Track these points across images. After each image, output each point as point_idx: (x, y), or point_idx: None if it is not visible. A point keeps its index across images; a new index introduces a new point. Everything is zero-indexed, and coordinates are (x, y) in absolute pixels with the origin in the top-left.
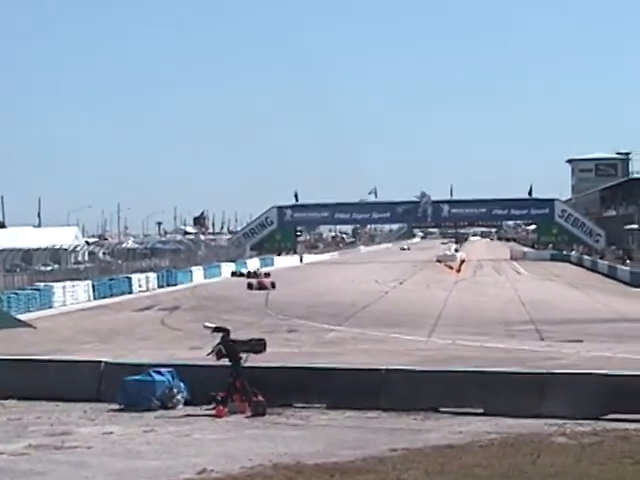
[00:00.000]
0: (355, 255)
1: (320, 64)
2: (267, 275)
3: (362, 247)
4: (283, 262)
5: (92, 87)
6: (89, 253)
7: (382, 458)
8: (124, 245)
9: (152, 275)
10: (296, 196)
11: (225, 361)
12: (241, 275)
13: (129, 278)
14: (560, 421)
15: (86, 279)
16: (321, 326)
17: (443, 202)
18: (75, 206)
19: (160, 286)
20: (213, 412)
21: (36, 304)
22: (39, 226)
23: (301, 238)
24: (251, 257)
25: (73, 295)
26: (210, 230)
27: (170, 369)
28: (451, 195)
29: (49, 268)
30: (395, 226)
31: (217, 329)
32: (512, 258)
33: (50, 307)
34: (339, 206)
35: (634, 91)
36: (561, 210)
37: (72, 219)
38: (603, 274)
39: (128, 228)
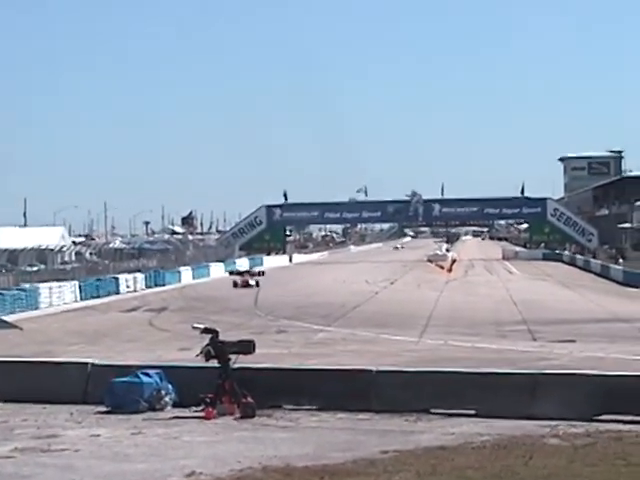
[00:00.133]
0: (345, 255)
1: (320, 64)
2: (262, 273)
3: (352, 247)
4: (272, 262)
5: (79, 87)
6: (76, 253)
7: (373, 460)
8: (111, 245)
9: (140, 275)
10: (285, 195)
11: (214, 362)
12: (239, 274)
13: (116, 279)
14: (553, 422)
15: (73, 280)
16: (311, 327)
17: (434, 201)
18: (61, 206)
19: (148, 287)
20: (202, 414)
21: (22, 305)
22: (25, 226)
23: (290, 238)
24: (240, 257)
25: (59, 296)
26: (198, 230)
27: (158, 371)
28: (442, 194)
29: (35, 268)
30: (386, 225)
31: (206, 330)
32: (504, 257)
33: (36, 308)
34: (329, 205)
35: (627, 89)
36: (553, 209)
37: (58, 219)
38: (596, 273)
39: (115, 228)
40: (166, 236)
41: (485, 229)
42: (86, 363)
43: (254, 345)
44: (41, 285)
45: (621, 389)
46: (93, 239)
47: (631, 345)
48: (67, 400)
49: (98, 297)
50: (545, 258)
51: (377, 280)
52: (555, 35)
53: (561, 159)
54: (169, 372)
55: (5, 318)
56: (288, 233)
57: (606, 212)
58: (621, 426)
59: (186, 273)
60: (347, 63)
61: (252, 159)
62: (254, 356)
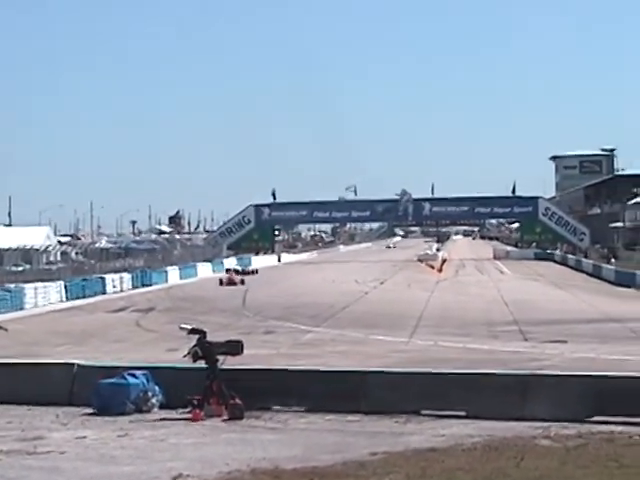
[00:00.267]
0: (334, 254)
1: (315, 62)
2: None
3: (342, 246)
4: (261, 262)
5: (66, 86)
6: (61, 253)
7: (362, 462)
8: (97, 245)
9: (126, 275)
10: (274, 195)
11: (201, 363)
12: (236, 272)
13: (102, 279)
14: (544, 423)
15: (58, 280)
16: (299, 327)
17: (424, 200)
18: (47, 205)
19: (134, 287)
20: (189, 416)
21: (7, 305)
22: (10, 225)
23: (279, 237)
24: (228, 257)
25: (45, 296)
26: (186, 229)
27: (145, 372)
28: (432, 193)
29: (20, 268)
30: (375, 225)
31: (193, 331)
32: (495, 257)
33: (21, 309)
34: (318, 205)
35: (620, 88)
36: (545, 208)
37: (44, 218)
38: (588, 273)
39: (101, 227)
40: (153, 236)
41: (476, 228)
42: (72, 364)
43: (242, 346)
44: (26, 285)
45: (613, 390)
46: (79, 239)
47: (623, 345)
48: (53, 402)
49: (84, 297)
50: (536, 258)
51: (367, 280)
52: (547, 35)
53: (553, 158)
54: (156, 373)
55: None
56: (276, 232)
57: (598, 211)
58: (613, 427)
59: (173, 273)
60: (342, 62)
61: (242, 158)
62: (242, 357)
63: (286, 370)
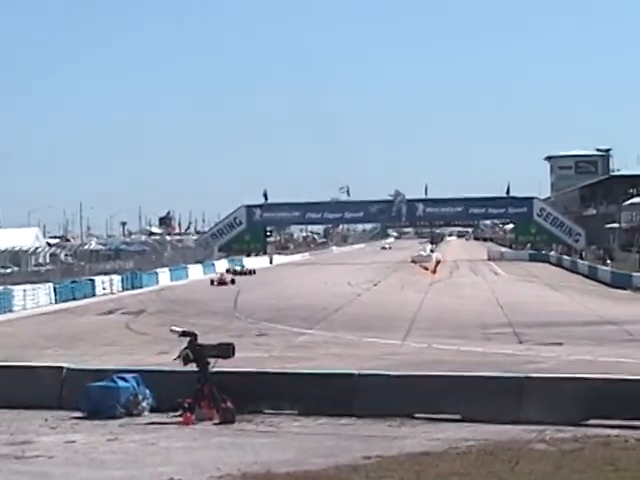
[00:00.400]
0: (327, 256)
1: (314, 64)
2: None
3: (334, 248)
4: (253, 263)
5: (55, 85)
6: (50, 255)
7: (356, 466)
8: (87, 246)
9: (116, 277)
10: (265, 195)
11: (192, 366)
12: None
13: (92, 281)
14: (539, 427)
15: (47, 282)
16: (292, 330)
17: (418, 201)
18: (36, 206)
19: (125, 289)
20: (180, 419)
21: None
22: None
23: (271, 239)
24: (219, 258)
25: (34, 299)
26: (176, 230)
27: (135, 375)
28: (426, 194)
29: (8, 270)
30: (368, 226)
31: (184, 333)
32: (489, 258)
33: (10, 311)
34: (310, 205)
35: (615, 87)
36: (540, 209)
37: (33, 220)
38: (583, 275)
39: (91, 229)
40: (143, 237)
41: (470, 229)
42: (61, 367)
43: (233, 348)
44: (15, 287)
45: (609, 393)
46: (68, 240)
47: (619, 348)
48: (41, 405)
49: (74, 300)
50: (531, 259)
51: (360, 282)
52: (543, 35)
53: (548, 158)
54: (146, 376)
55: None
56: (268, 234)
57: (593, 212)
58: (609, 431)
59: (164, 275)
60: (336, 62)
61: (234, 158)
62: (234, 360)
63: (278, 373)
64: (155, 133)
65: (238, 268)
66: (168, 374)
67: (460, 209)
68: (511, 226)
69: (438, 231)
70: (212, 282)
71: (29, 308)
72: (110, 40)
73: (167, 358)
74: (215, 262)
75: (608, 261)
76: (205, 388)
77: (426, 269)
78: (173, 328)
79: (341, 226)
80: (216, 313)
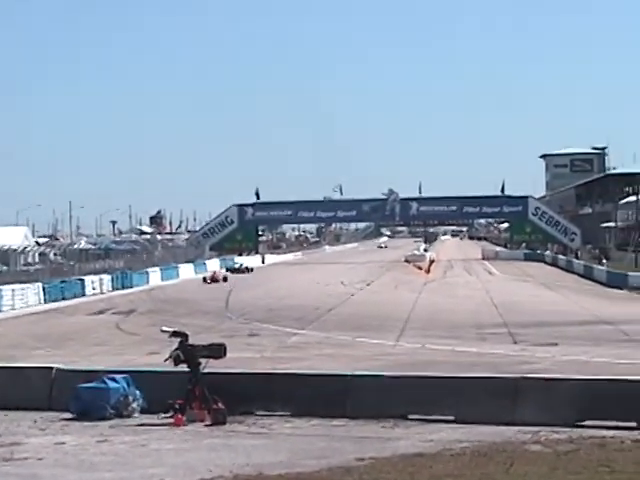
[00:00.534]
0: (320, 255)
1: (309, 64)
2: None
3: (327, 247)
4: (244, 263)
5: (46, 84)
6: (39, 254)
7: (349, 468)
8: (76, 246)
9: (106, 277)
10: (257, 194)
11: (183, 367)
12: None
13: (82, 280)
14: (534, 428)
15: (36, 281)
16: (284, 330)
17: (411, 199)
18: (24, 205)
19: (115, 289)
20: (171, 421)
21: None
22: None
23: (263, 238)
24: (211, 258)
25: (23, 298)
26: (167, 230)
27: (125, 376)
28: (420, 192)
29: None
30: (361, 225)
31: (175, 333)
32: (484, 258)
33: None
34: (302, 204)
35: (610, 84)
36: (535, 208)
37: (21, 218)
38: (579, 274)
39: (80, 228)
40: (134, 236)
41: (464, 229)
42: (51, 368)
43: (225, 349)
44: (3, 287)
45: (605, 394)
46: (57, 239)
47: (615, 348)
48: (31, 406)
49: (63, 299)
50: (526, 258)
51: (353, 281)
52: (538, 34)
53: (543, 156)
54: (137, 377)
55: None
56: (260, 233)
57: (589, 211)
58: (605, 432)
59: (154, 274)
60: (331, 62)
61: (225, 156)
62: (225, 360)
63: (270, 374)
64: (146, 132)
65: (237, 266)
66: (159, 375)
67: (454, 208)
68: (506, 225)
69: (432, 230)
70: (205, 280)
71: (18, 308)
72: (110, 40)
73: (158, 359)
74: (206, 261)
75: (604, 260)
76: (196, 389)
77: (420, 269)
78: (164, 328)
79: (334, 225)
80: (207, 313)
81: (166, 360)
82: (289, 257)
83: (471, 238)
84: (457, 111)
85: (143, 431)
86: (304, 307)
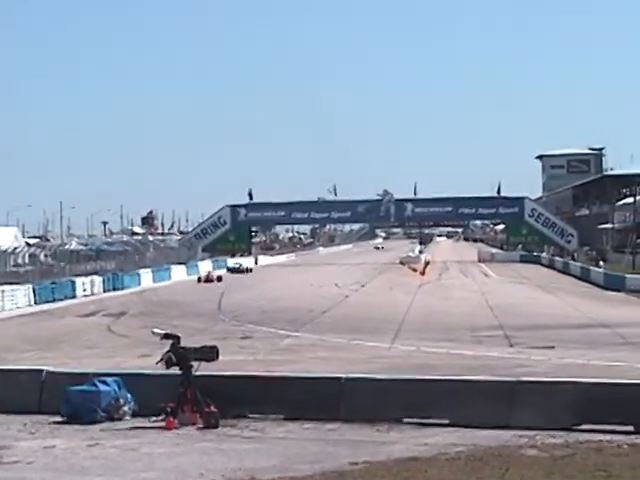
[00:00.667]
0: (314, 257)
1: (304, 63)
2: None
3: (321, 248)
4: (244, 263)
5: (36, 84)
6: (30, 255)
7: (342, 472)
8: (67, 246)
9: (97, 278)
10: (250, 194)
11: (175, 370)
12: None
13: (73, 282)
14: (530, 432)
15: (26, 283)
16: (277, 332)
17: (406, 200)
18: (14, 205)
19: (106, 290)
20: (162, 424)
21: None
22: None
23: (256, 239)
24: (203, 259)
25: (12, 300)
26: (159, 230)
27: (116, 378)
28: (415, 193)
29: None
30: (356, 226)
31: (166, 336)
32: (480, 260)
33: None
34: (296, 205)
35: (608, 84)
36: (531, 209)
37: (11, 219)
38: (575, 276)
39: (71, 228)
40: (125, 237)
41: (460, 230)
42: (41, 370)
43: (217, 351)
44: None
45: (602, 397)
46: (48, 240)
47: (612, 351)
48: (20, 410)
49: (53, 301)
50: (522, 260)
51: (347, 283)
52: (534, 34)
53: (539, 157)
54: (128, 380)
55: None
56: (253, 234)
57: (586, 212)
58: (601, 436)
59: (146, 276)
60: (326, 61)
61: (218, 156)
62: (217, 363)
63: (263, 377)
64: (141, 132)
65: (237, 266)
66: (150, 377)
67: (450, 209)
68: (502, 227)
69: (427, 231)
70: (199, 279)
71: (7, 309)
72: (110, 40)
73: (149, 361)
74: (199, 263)
75: (601, 262)
76: (188, 392)
77: (415, 270)
78: (155, 330)
79: (328, 226)
80: (200, 315)
81: (158, 363)
82: (282, 259)
83: (466, 240)
84: (455, 111)
85: (134, 435)
86: (298, 309)
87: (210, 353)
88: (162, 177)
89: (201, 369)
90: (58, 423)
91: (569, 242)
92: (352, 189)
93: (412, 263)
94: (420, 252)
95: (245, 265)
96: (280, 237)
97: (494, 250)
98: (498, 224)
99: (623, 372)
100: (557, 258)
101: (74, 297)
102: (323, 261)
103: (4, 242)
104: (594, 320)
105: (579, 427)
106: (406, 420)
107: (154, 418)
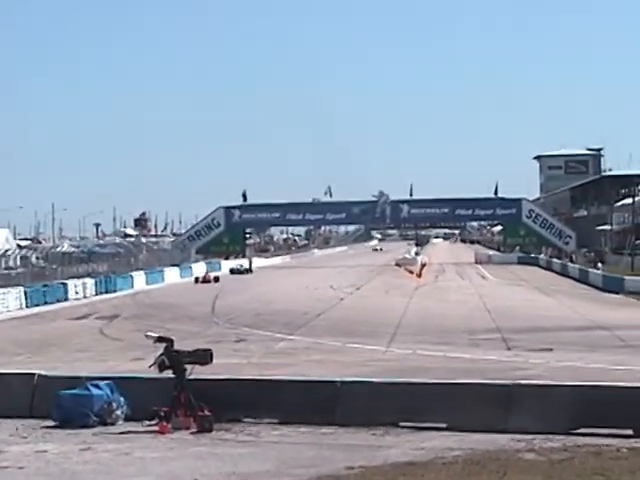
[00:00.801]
0: (309, 259)
1: (301, 63)
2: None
3: (316, 250)
4: (244, 264)
5: (28, 84)
6: (21, 257)
7: (338, 477)
8: (59, 249)
9: (89, 281)
10: (244, 196)
11: (168, 373)
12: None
13: (64, 284)
14: (528, 436)
15: (18, 285)
16: (272, 335)
17: (402, 202)
18: (5, 206)
19: (98, 293)
20: (156, 428)
21: None
22: None
23: (250, 241)
24: (197, 261)
25: (3, 303)
26: (152, 232)
27: (109, 382)
28: (411, 194)
29: None
30: (351, 227)
31: (160, 339)
32: (477, 261)
33: None
34: (291, 206)
35: (606, 84)
36: (529, 210)
37: (2, 221)
38: (574, 278)
39: (63, 230)
40: (118, 239)
41: (456, 231)
42: (32, 374)
43: (211, 355)
44: None
45: (600, 401)
46: (40, 242)
47: (611, 354)
48: (12, 414)
49: (45, 304)
50: (520, 262)
51: (342, 285)
52: (533, 34)
53: (537, 157)
54: (121, 384)
55: None
56: (248, 236)
57: (584, 213)
58: (600, 440)
59: (139, 278)
60: (323, 61)
61: (212, 157)
62: (211, 366)
63: (258, 380)
64: (133, 132)
65: (239, 267)
66: (143, 381)
67: (446, 210)
68: (499, 228)
69: (423, 233)
70: (197, 280)
71: None
72: (110, 40)
73: (142, 365)
74: (192, 265)
75: (599, 264)
76: (182, 396)
77: (411, 272)
78: (148, 334)
79: (323, 228)
80: (194, 318)
81: (151, 366)
82: (277, 261)
83: (463, 241)
84: (454, 111)
85: (127, 439)
86: (292, 312)
87: (204, 356)
88: (156, 178)
89: (195, 373)
90: (50, 427)
91: (567, 244)
92: (352, 189)
93: (408, 265)
94: (416, 254)
95: (245, 266)
96: (275, 239)
97: (491, 252)
98: (495, 225)
99: (622, 375)
100: (555, 260)
101: (66, 300)
102: (318, 263)
103: None
104: (593, 322)
105: (577, 431)
106: (402, 424)
107: (147, 422)
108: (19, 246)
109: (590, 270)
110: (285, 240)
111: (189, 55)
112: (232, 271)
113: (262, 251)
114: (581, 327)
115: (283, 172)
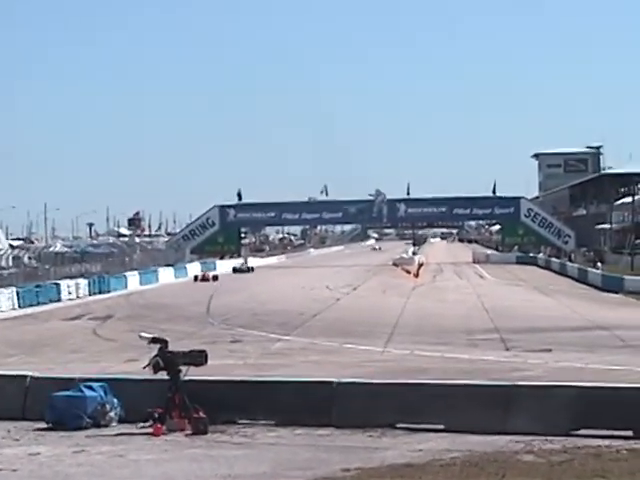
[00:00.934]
0: (305, 259)
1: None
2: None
3: (312, 250)
4: (226, 266)
5: (22, 84)
6: (13, 257)
7: (335, 479)
8: (52, 249)
9: (83, 281)
10: (239, 195)
11: (163, 374)
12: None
13: (57, 285)
14: (527, 437)
15: (10, 286)
16: (268, 336)
17: (399, 201)
18: None
19: (92, 293)
20: (150, 430)
21: None
22: None
23: (246, 240)
24: (191, 261)
25: None
26: (146, 232)
27: (103, 383)
28: (408, 193)
29: None
30: (347, 227)
31: (154, 340)
32: (475, 261)
33: None
34: (286, 205)
35: (605, 83)
36: (527, 209)
37: None
38: (573, 278)
39: (56, 230)
40: (111, 239)
41: (454, 231)
42: (25, 376)
43: (206, 356)
44: None
45: (600, 402)
46: (32, 242)
47: (610, 354)
48: (4, 416)
49: (38, 305)
50: (519, 262)
51: (339, 285)
52: (532, 34)
53: (535, 155)
54: (114, 385)
55: None
56: (243, 235)
57: (584, 212)
58: (600, 441)
59: (133, 279)
60: (321, 61)
61: (206, 156)
62: (206, 367)
63: (253, 381)
64: (128, 132)
65: (239, 266)
66: (137, 383)
67: (444, 209)
68: (497, 227)
69: (421, 232)
70: (196, 278)
71: None
72: (110, 40)
73: (136, 366)
74: (187, 265)
75: (599, 263)
76: (176, 397)
77: (408, 272)
78: (142, 334)
79: (319, 227)
80: (189, 318)
81: (145, 367)
82: (272, 260)
83: (461, 240)
84: (452, 110)
85: (121, 441)
86: (288, 312)
87: (199, 357)
88: (150, 178)
89: (190, 374)
90: (43, 429)
91: (566, 243)
92: (350, 189)
93: (405, 265)
94: (414, 253)
95: (247, 265)
96: (270, 238)
97: (489, 251)
98: (493, 225)
99: (622, 376)
100: (554, 259)
101: (59, 300)
102: (314, 263)
103: None
104: (592, 322)
105: (577, 432)
106: (399, 425)
107: (141, 424)
108: (11, 246)
109: (589, 269)
110: (281, 239)
111: (186, 54)
112: (235, 270)
113: (257, 251)
114: (580, 327)
115: (282, 172)
